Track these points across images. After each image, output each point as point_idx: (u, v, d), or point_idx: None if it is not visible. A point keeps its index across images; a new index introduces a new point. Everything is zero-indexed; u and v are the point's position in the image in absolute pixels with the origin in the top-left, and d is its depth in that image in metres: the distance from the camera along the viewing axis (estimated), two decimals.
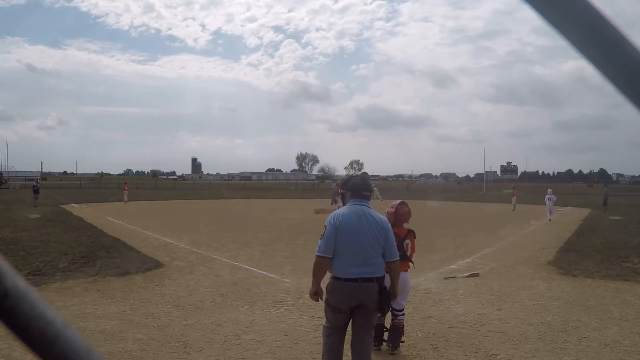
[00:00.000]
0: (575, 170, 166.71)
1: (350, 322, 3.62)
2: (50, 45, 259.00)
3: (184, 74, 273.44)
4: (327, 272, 3.58)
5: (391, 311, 4.56)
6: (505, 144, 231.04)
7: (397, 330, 4.67)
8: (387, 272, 3.68)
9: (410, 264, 4.78)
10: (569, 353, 4.61)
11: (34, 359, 0.34)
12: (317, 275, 3.55)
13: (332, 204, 27.70)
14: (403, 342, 4.74)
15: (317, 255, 3.52)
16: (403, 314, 4.72)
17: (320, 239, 3.55)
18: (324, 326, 3.65)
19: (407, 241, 4.79)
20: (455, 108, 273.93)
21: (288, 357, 4.46)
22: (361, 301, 3.48)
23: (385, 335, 4.72)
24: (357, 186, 3.71)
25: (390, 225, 3.69)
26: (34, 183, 27.87)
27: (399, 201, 4.98)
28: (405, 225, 4.94)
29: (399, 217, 4.83)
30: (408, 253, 4.75)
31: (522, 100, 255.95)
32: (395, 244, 3.70)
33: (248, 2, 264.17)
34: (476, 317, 5.76)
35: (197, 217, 19.92)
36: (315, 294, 3.59)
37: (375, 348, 4.54)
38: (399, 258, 3.70)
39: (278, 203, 29.67)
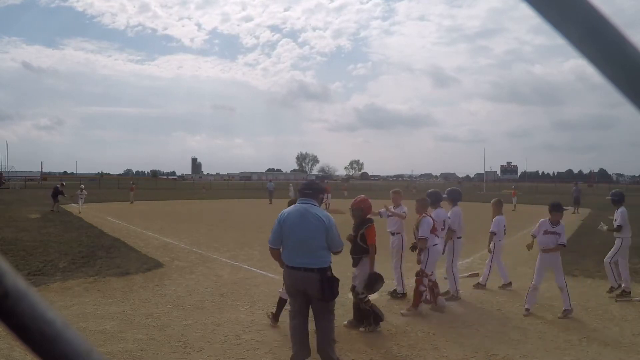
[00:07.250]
0: (576, 170, 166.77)
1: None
2: (47, 45, 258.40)
3: (182, 73, 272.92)
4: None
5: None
6: (505, 144, 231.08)
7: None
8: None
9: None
10: (569, 353, 4.61)
11: (34, 359, 0.34)
12: (276, 260, 4.31)
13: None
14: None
15: (269, 246, 4.26)
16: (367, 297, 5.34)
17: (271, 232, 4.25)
18: (289, 311, 4.28)
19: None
20: (455, 108, 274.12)
21: (288, 357, 4.46)
22: (305, 288, 4.01)
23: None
24: (300, 186, 4.40)
25: (333, 221, 4.13)
26: (58, 185, 21.06)
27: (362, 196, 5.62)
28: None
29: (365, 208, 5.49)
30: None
31: (522, 99, 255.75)
32: (339, 235, 4.14)
33: (243, 1, 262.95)
34: (476, 317, 5.77)
35: (197, 217, 19.92)
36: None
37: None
38: (341, 250, 4.20)
39: (279, 203, 29.60)
